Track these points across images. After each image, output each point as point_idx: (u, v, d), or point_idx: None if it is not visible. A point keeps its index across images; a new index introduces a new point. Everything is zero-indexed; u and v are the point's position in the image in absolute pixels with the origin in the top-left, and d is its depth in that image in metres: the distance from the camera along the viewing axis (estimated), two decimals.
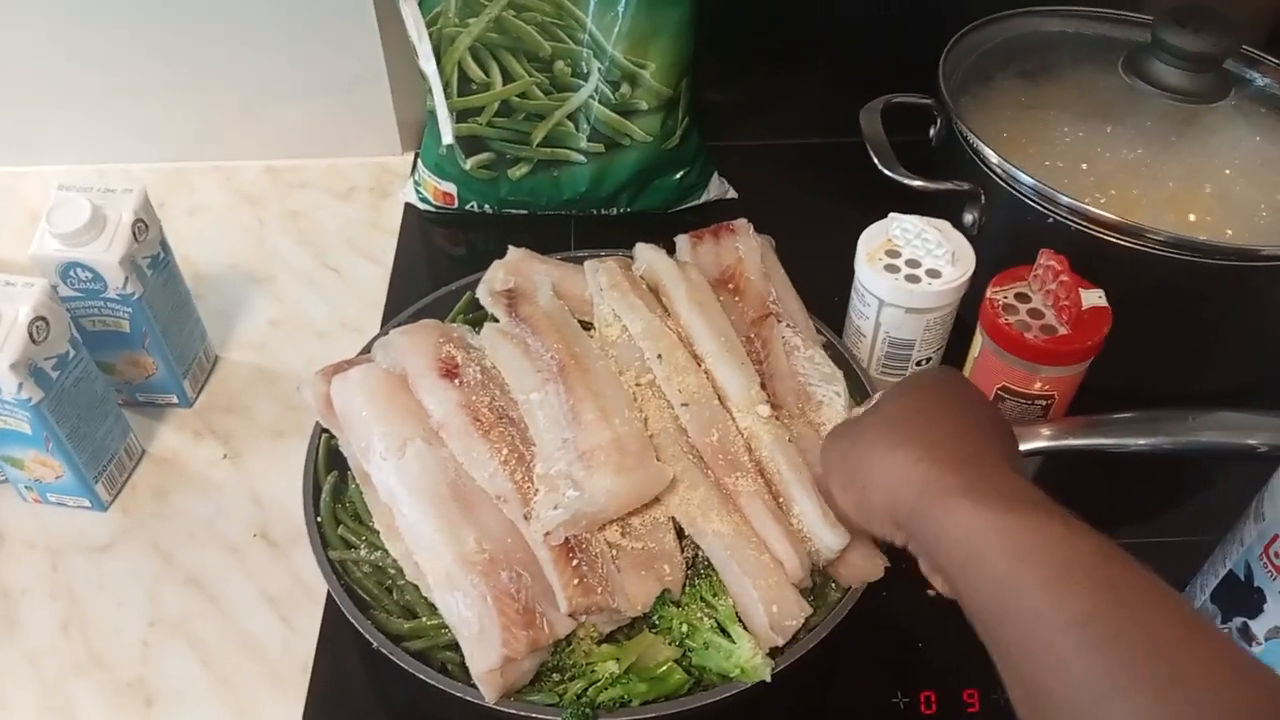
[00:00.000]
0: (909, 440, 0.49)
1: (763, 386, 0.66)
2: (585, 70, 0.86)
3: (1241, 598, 0.55)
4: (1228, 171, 0.76)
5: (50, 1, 0.88)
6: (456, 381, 0.65)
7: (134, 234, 0.70)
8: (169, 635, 0.66)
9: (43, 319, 0.64)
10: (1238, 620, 0.55)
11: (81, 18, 0.89)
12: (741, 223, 0.76)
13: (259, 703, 0.63)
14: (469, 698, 0.55)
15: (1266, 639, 0.54)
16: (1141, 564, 0.43)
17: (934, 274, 0.69)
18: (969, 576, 0.44)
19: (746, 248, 0.74)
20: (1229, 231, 0.72)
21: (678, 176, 0.93)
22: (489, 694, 0.54)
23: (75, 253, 0.68)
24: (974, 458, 0.48)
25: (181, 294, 0.78)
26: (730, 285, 0.73)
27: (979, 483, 0.46)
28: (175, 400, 0.79)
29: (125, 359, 0.75)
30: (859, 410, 0.62)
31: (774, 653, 0.56)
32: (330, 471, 0.67)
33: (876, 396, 0.60)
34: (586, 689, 0.55)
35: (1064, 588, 0.41)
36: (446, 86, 0.87)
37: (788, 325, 0.71)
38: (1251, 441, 0.64)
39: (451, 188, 0.93)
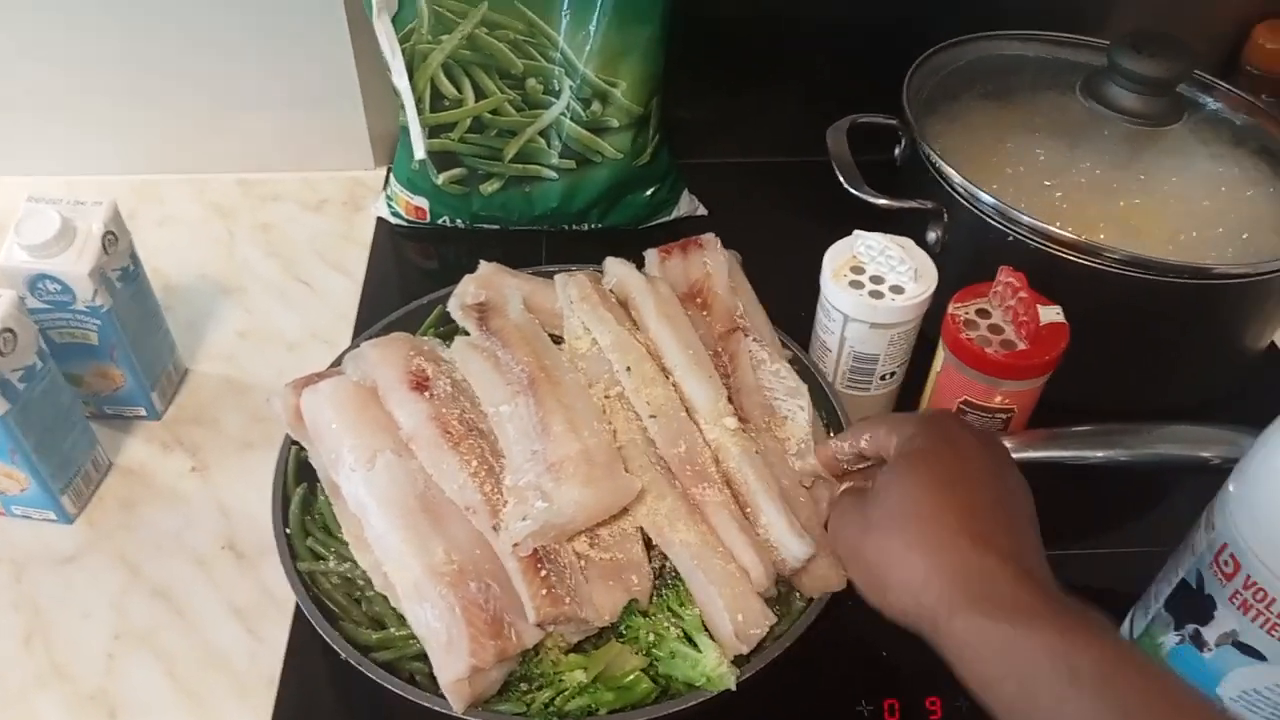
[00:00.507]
0: (912, 549, 0.49)
1: (730, 400, 0.67)
2: (557, 88, 0.87)
3: (1194, 605, 0.56)
4: (1182, 192, 0.78)
5: (22, 12, 0.88)
6: (427, 394, 0.65)
7: (104, 246, 0.70)
8: (134, 647, 0.66)
9: (10, 331, 0.64)
10: (1190, 627, 0.57)
11: (54, 29, 0.89)
12: (709, 238, 0.77)
13: (226, 715, 0.63)
14: (437, 708, 0.55)
15: (1217, 645, 0.55)
16: (1152, 662, 0.44)
17: (897, 290, 0.70)
18: (987, 695, 0.45)
19: (714, 263, 0.75)
20: (1183, 250, 0.74)
21: (648, 193, 0.94)
22: (457, 704, 0.55)
23: (44, 264, 0.68)
24: (979, 561, 0.48)
25: (151, 306, 0.78)
26: (698, 299, 0.74)
27: (987, 595, 0.46)
28: (143, 412, 0.78)
29: (93, 371, 0.75)
30: (837, 443, 0.63)
31: (739, 661, 0.57)
32: (299, 483, 0.67)
33: (849, 442, 0.61)
34: (554, 698, 0.56)
35: (1076, 710, 0.42)
36: (419, 102, 0.88)
37: (754, 339, 0.72)
38: (1204, 454, 0.66)
39: (424, 202, 0.94)
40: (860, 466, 0.63)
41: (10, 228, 0.69)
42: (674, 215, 0.97)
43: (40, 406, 0.67)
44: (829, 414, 0.71)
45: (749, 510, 0.63)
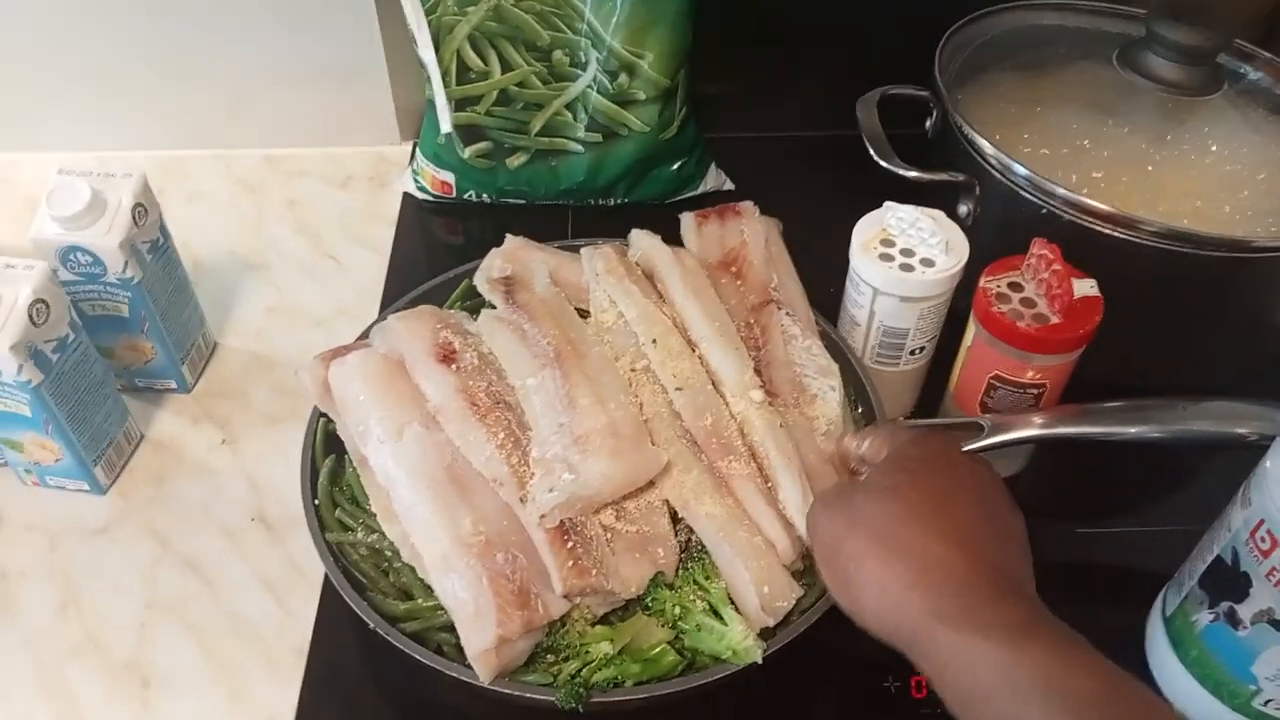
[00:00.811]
0: (900, 556, 0.47)
1: (759, 373, 0.67)
2: (583, 60, 0.87)
3: (1229, 582, 0.56)
4: (1220, 163, 0.76)
5: None
6: (454, 367, 0.65)
7: (134, 218, 0.70)
8: (165, 617, 0.67)
9: (43, 301, 0.65)
10: (1224, 604, 0.56)
11: (80, 5, 0.90)
12: (747, 205, 0.76)
13: (255, 684, 0.64)
14: (464, 678, 0.56)
15: (1252, 622, 0.54)
16: (1142, 686, 0.42)
17: (928, 263, 0.69)
18: (972, 712, 0.43)
19: (751, 231, 0.75)
20: (1220, 223, 0.72)
21: (675, 167, 0.93)
22: (484, 674, 0.55)
23: (75, 236, 0.69)
24: (970, 576, 0.46)
25: (180, 279, 0.78)
26: (733, 268, 0.74)
27: (976, 610, 0.44)
28: (174, 386, 0.79)
29: (124, 343, 0.75)
30: (849, 440, 0.61)
31: (766, 635, 0.57)
32: (327, 455, 0.67)
33: (856, 443, 0.60)
34: (580, 669, 0.56)
35: None
36: (445, 75, 0.88)
37: (787, 313, 0.72)
38: (1240, 430, 0.65)
39: (450, 177, 0.94)
40: (862, 470, 0.62)
41: (40, 201, 0.69)
42: (700, 190, 0.96)
43: (73, 378, 0.68)
44: (857, 389, 0.71)
45: (772, 484, 0.62)
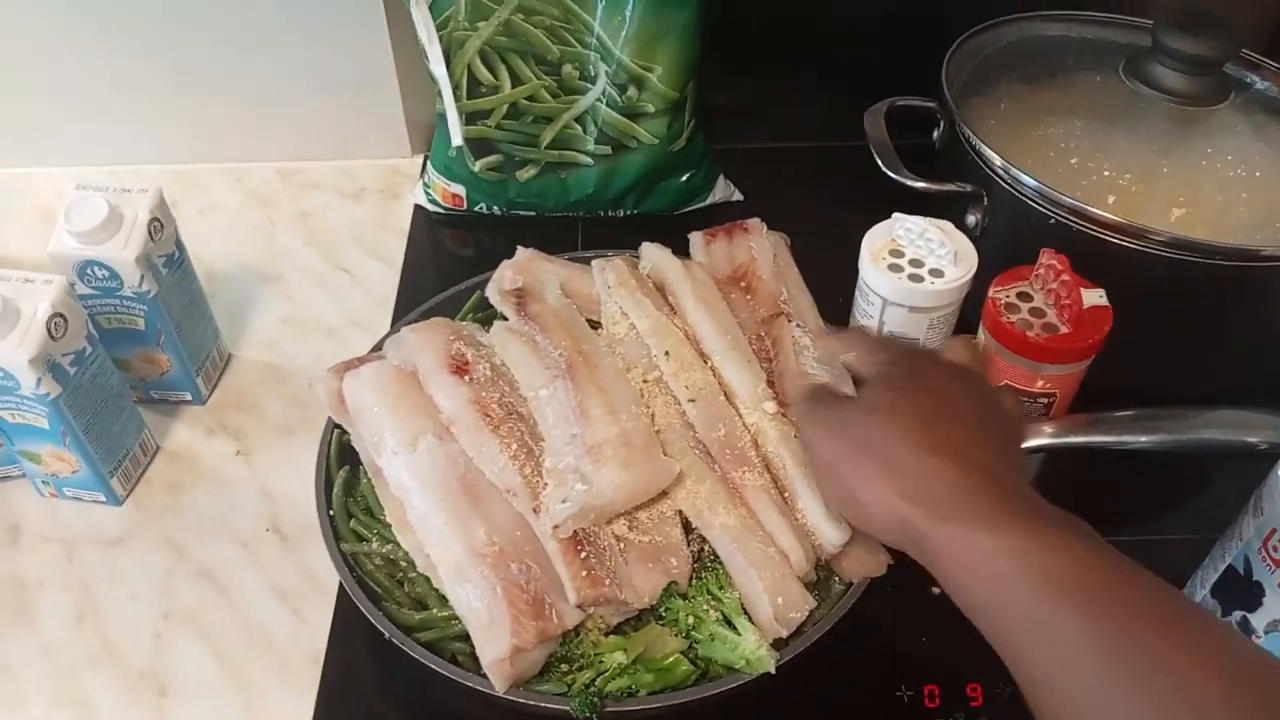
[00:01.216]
0: (901, 474, 0.49)
1: (771, 385, 0.67)
2: (593, 73, 0.87)
3: (1241, 592, 0.56)
4: (1227, 173, 0.77)
5: (62, 3, 0.89)
6: (467, 378, 0.66)
7: (150, 233, 0.71)
8: (181, 627, 0.67)
9: (61, 315, 0.65)
10: (1237, 614, 0.56)
11: (93, 20, 0.91)
12: (755, 222, 0.77)
13: (270, 693, 0.64)
14: (479, 687, 0.56)
15: (1266, 632, 0.55)
16: (1130, 564, 0.43)
17: (937, 273, 0.70)
18: (965, 602, 0.46)
19: (759, 247, 0.75)
20: (1229, 232, 0.72)
21: (684, 178, 0.94)
22: (498, 683, 0.55)
23: (92, 251, 0.70)
24: (964, 480, 0.48)
25: (195, 292, 0.79)
26: (742, 283, 0.74)
27: (969, 506, 0.47)
28: (189, 397, 0.80)
29: (140, 356, 0.76)
30: (833, 343, 0.63)
31: (779, 645, 0.57)
32: (342, 466, 0.67)
33: (839, 348, 0.62)
34: (594, 679, 0.56)
35: (1049, 611, 0.42)
36: (456, 89, 0.88)
37: (798, 325, 0.72)
38: (1251, 439, 0.65)
39: (460, 189, 0.94)
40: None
41: (57, 215, 0.70)
42: (709, 201, 0.97)
43: (90, 390, 0.68)
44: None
45: (788, 494, 0.63)
